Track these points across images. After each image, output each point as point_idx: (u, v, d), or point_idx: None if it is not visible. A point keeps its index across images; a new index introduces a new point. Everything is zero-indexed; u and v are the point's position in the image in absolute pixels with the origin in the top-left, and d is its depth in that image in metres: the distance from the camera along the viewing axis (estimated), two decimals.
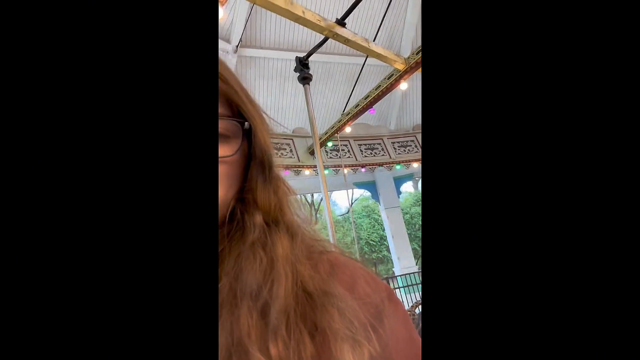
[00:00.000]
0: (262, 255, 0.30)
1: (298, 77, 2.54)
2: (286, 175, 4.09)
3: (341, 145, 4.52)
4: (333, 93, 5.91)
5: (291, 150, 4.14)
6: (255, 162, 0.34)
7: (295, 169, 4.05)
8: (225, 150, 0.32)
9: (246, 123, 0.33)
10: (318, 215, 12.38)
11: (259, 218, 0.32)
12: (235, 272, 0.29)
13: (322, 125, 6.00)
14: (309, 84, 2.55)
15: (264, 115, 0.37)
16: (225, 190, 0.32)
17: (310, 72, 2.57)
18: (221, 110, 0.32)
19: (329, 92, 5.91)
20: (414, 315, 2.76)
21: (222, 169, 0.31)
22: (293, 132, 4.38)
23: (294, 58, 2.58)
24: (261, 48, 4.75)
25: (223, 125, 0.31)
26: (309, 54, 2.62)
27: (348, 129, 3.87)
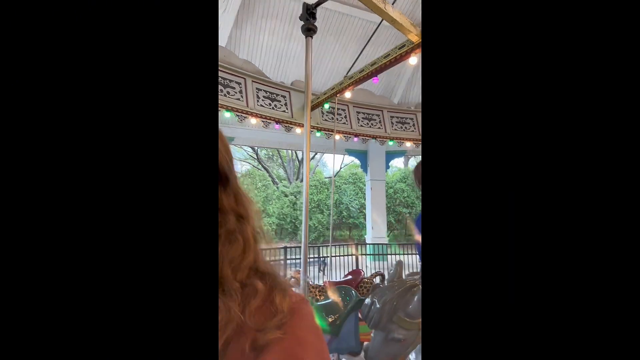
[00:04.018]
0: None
1: (302, 28, 2.29)
2: (276, 129, 3.96)
3: (339, 109, 4.34)
4: (343, 49, 5.50)
5: (286, 104, 3.94)
6: None
7: (287, 124, 3.91)
8: None
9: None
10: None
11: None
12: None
13: (325, 82, 5.69)
14: (312, 36, 2.31)
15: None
16: None
17: (317, 23, 2.32)
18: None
19: (339, 47, 5.49)
20: (372, 283, 2.93)
21: None
22: (292, 84, 4.12)
23: (302, 3, 2.30)
24: None
25: None
26: (319, 1, 2.33)
27: (348, 94, 3.67)
